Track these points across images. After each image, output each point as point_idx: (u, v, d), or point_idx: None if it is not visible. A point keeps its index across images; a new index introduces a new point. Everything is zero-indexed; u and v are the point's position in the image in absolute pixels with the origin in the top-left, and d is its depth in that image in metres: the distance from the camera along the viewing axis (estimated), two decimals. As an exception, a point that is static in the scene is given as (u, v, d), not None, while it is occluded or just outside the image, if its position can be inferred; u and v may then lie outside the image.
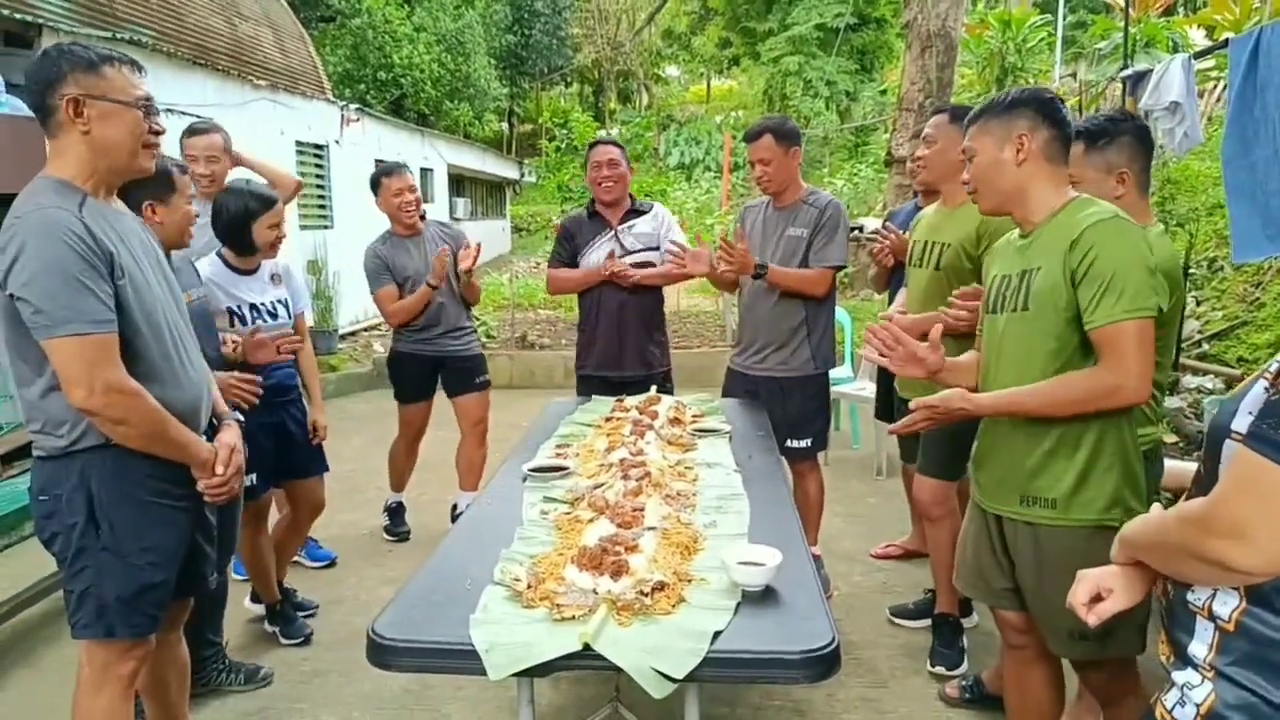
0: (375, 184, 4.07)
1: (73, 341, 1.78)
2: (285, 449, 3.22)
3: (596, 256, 3.85)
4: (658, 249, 3.86)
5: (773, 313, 3.48)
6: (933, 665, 3.03)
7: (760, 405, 3.49)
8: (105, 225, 1.89)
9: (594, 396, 3.68)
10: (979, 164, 2.07)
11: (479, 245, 4.07)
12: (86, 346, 1.79)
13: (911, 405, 2.18)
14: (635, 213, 3.89)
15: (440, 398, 4.32)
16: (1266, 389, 1.11)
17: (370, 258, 4.05)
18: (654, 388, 3.68)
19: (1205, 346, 5.95)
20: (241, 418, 3.01)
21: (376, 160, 11.90)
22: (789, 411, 3.52)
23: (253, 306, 3.10)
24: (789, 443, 3.52)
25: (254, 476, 3.05)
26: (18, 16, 5.65)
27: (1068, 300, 1.91)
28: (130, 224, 2.02)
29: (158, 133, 1.98)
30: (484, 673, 1.53)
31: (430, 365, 4.17)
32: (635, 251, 3.84)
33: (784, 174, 3.44)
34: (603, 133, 9.35)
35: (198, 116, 4.21)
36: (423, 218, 4.12)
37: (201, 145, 3.43)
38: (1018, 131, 1.99)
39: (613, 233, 3.86)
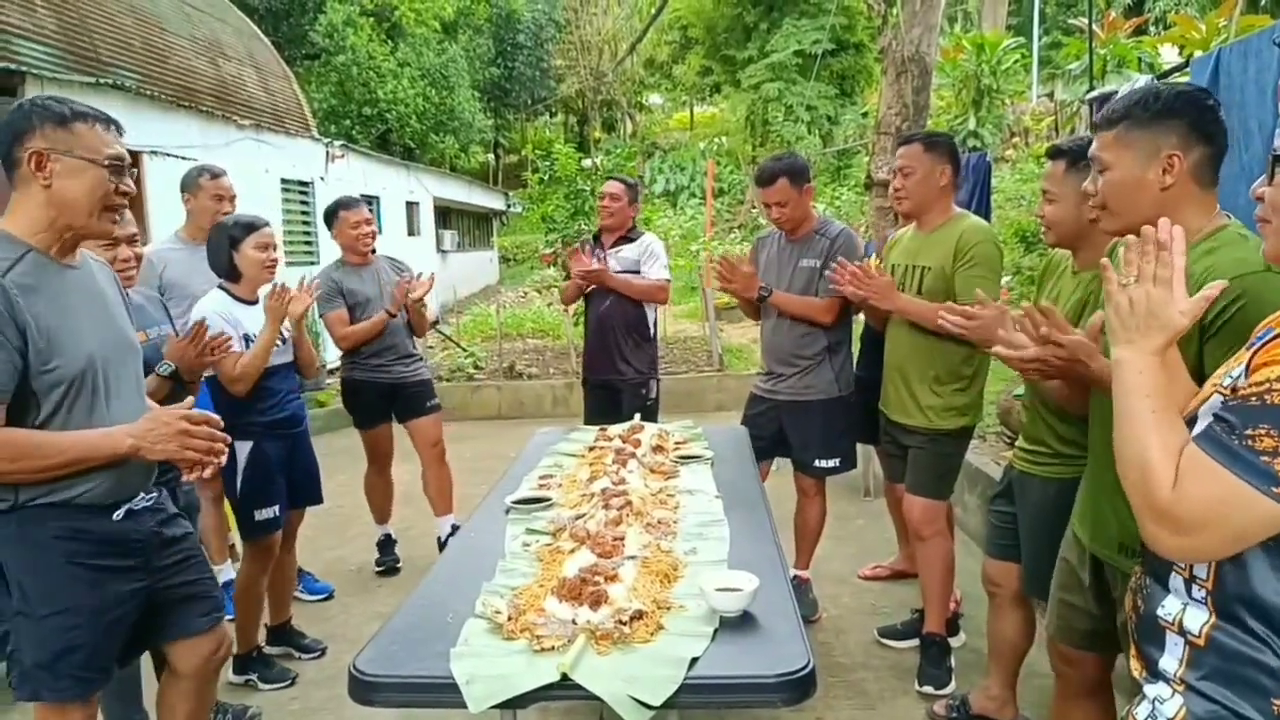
0: (332, 216, 4.21)
1: None
2: (292, 479, 3.31)
3: None
4: (637, 272, 4.28)
5: (794, 340, 3.52)
6: (920, 685, 3.04)
7: (746, 430, 3.54)
8: (35, 286, 1.83)
9: (578, 426, 3.72)
10: (1112, 181, 1.72)
11: (433, 276, 4.35)
12: None
13: (1044, 332, 1.84)
14: (626, 239, 4.36)
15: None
16: (1224, 401, 1.15)
17: (324, 280, 4.14)
18: (641, 390, 4.10)
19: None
20: (236, 443, 2.99)
21: (362, 195, 12.01)
22: (814, 432, 3.55)
23: (245, 337, 3.12)
24: (818, 462, 3.57)
25: (276, 509, 3.17)
26: (0, 65, 5.71)
27: (1193, 355, 1.55)
28: (76, 277, 1.96)
29: (125, 194, 1.95)
30: (465, 705, 1.54)
31: (385, 391, 4.28)
32: (616, 272, 4.26)
33: (799, 213, 3.52)
34: (588, 162, 9.51)
35: (182, 158, 4.27)
36: (373, 251, 4.30)
37: (226, 184, 3.75)
38: (1167, 150, 1.65)
39: (604, 254, 4.34)
